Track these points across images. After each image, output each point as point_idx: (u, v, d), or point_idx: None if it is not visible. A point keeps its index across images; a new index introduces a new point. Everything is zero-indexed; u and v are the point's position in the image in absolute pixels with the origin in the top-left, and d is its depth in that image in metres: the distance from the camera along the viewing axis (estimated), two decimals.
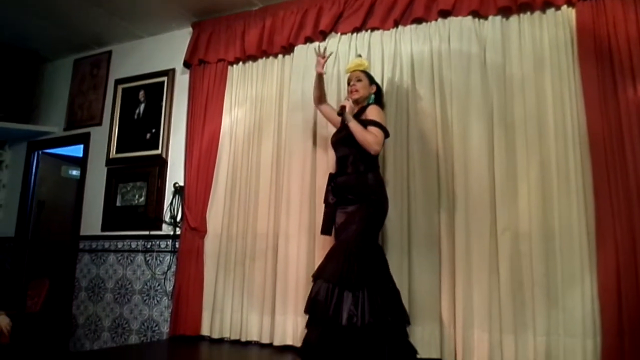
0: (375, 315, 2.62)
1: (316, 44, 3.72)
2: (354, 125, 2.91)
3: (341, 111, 2.98)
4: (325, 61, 3.24)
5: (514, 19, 3.33)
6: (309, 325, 2.88)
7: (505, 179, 3.12)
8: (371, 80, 3.18)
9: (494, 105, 3.24)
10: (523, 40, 3.28)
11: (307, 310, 2.86)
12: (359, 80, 3.13)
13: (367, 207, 2.86)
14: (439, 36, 3.47)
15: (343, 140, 3.00)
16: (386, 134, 2.96)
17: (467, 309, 3.03)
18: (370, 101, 3.12)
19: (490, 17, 3.37)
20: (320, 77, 3.29)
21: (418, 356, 2.86)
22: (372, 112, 2.98)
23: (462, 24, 3.40)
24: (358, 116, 3.02)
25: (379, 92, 3.22)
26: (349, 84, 3.18)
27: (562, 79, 3.14)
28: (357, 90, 3.10)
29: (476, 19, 3.40)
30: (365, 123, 2.92)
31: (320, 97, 3.37)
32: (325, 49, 3.35)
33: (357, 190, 2.90)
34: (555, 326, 2.89)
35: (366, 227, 2.85)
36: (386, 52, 3.60)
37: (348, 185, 2.94)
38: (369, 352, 2.60)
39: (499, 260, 3.06)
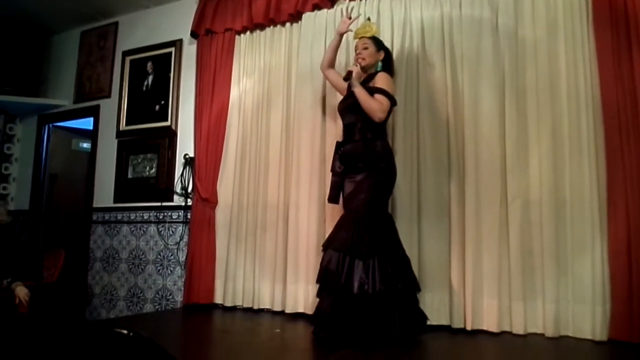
0: (385, 283, 2.65)
1: (344, 4, 3.67)
2: (359, 91, 2.88)
3: (348, 76, 2.95)
4: (351, 23, 3.21)
5: None
6: (320, 294, 2.91)
7: (516, 147, 3.09)
8: (379, 46, 3.11)
9: (505, 71, 3.19)
10: (536, 5, 3.19)
11: (318, 280, 2.89)
12: (366, 48, 3.07)
13: (375, 175, 2.86)
14: (450, 1, 3.39)
15: (350, 107, 2.98)
16: (393, 102, 2.93)
17: (476, 276, 3.05)
18: (378, 68, 3.07)
19: None
20: (339, 39, 3.26)
21: (428, 322, 2.90)
22: (380, 80, 2.95)
23: None
24: (366, 83, 2.98)
25: (388, 58, 3.15)
26: (356, 50, 3.13)
27: (575, 44, 3.07)
28: (363, 58, 3.05)
29: None
30: (373, 91, 2.89)
31: (331, 61, 3.33)
32: (352, 9, 3.28)
33: (365, 158, 2.89)
34: (564, 293, 2.91)
35: (375, 196, 2.85)
36: (396, 18, 3.53)
37: (356, 153, 2.93)
38: (380, 319, 2.64)
39: (509, 228, 3.06)
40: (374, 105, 2.84)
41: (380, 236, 2.76)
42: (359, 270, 2.68)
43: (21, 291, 3.49)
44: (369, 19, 3.34)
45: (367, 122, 2.89)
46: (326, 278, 2.80)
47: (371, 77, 3.02)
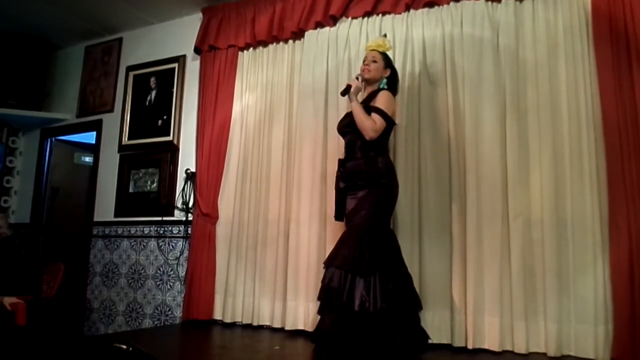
0: (387, 301, 2.63)
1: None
2: (356, 106, 2.89)
3: (346, 90, 2.94)
4: None
5: (527, 2, 3.28)
6: (321, 312, 2.88)
7: (518, 165, 3.10)
8: (387, 64, 3.09)
9: (506, 90, 3.21)
10: (537, 24, 3.23)
11: (320, 297, 2.86)
12: (374, 61, 3.05)
13: (376, 192, 2.84)
14: (451, 20, 3.42)
15: (350, 125, 2.97)
16: (390, 123, 2.92)
17: (478, 295, 3.03)
18: (382, 86, 3.08)
19: (503, 1, 3.32)
20: None
21: (429, 341, 2.87)
22: (381, 99, 2.93)
23: (474, 7, 3.35)
24: (369, 101, 2.99)
25: (393, 77, 3.14)
26: (364, 62, 3.10)
27: (576, 64, 3.10)
28: (369, 70, 3.03)
29: (489, 2, 3.35)
30: (371, 109, 2.89)
31: None
32: None
33: (366, 175, 2.88)
34: (566, 312, 2.89)
35: (377, 212, 2.84)
36: (397, 36, 3.56)
37: (358, 170, 2.92)
38: (381, 337, 2.62)
39: (510, 246, 3.05)
40: (367, 124, 2.83)
41: (381, 253, 2.75)
42: (360, 287, 2.66)
43: (8, 300, 3.51)
44: (385, 35, 3.32)
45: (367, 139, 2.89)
46: (328, 296, 2.77)
47: (374, 94, 3.02)
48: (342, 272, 2.72)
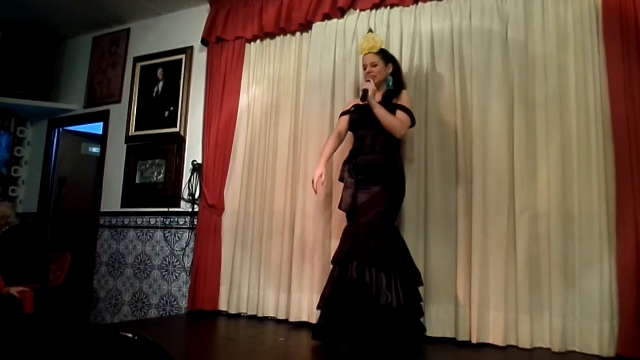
0: (406, 296, 2.68)
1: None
2: (380, 111, 2.88)
3: (364, 96, 2.90)
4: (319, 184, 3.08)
5: None
6: (342, 306, 2.74)
7: (525, 160, 3.08)
8: (387, 59, 3.08)
9: (515, 84, 3.19)
10: (546, 17, 3.20)
11: (333, 292, 2.81)
12: (375, 65, 3.03)
13: (393, 189, 2.87)
14: (460, 13, 3.40)
15: (368, 120, 2.93)
16: (413, 122, 2.96)
17: (483, 289, 3.02)
18: (390, 83, 3.06)
19: None
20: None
21: (432, 335, 2.89)
22: (404, 99, 2.98)
23: (484, 0, 3.33)
24: (387, 101, 2.97)
25: (397, 70, 3.13)
26: (364, 69, 3.09)
27: (585, 58, 3.07)
28: (374, 76, 3.01)
29: None
30: (396, 107, 2.91)
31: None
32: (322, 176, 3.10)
33: (384, 171, 2.88)
34: (572, 308, 2.88)
35: (392, 209, 2.87)
36: (405, 29, 3.54)
37: (374, 165, 2.90)
38: (399, 331, 2.65)
39: (516, 241, 3.04)
40: (397, 124, 2.87)
41: (399, 249, 2.79)
42: (383, 283, 2.69)
43: (15, 289, 3.55)
44: (370, 30, 3.27)
45: (385, 136, 2.90)
46: (354, 291, 2.71)
47: (389, 94, 3.01)
48: (367, 267, 2.72)
